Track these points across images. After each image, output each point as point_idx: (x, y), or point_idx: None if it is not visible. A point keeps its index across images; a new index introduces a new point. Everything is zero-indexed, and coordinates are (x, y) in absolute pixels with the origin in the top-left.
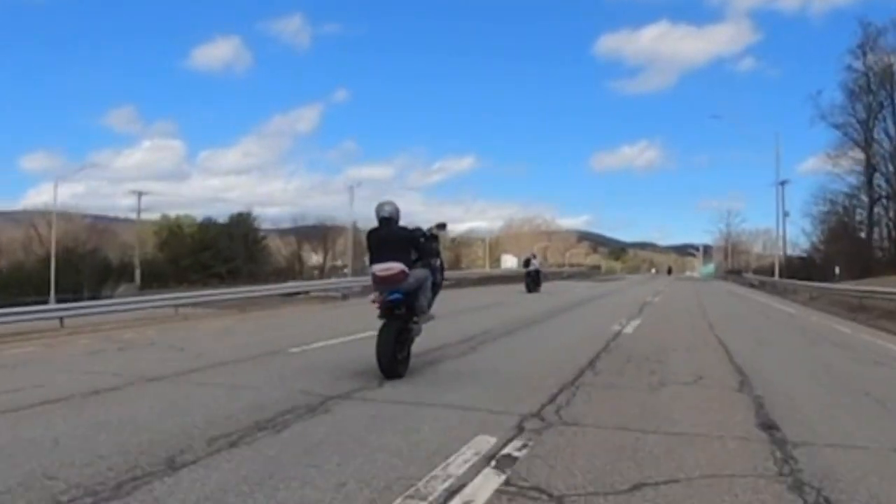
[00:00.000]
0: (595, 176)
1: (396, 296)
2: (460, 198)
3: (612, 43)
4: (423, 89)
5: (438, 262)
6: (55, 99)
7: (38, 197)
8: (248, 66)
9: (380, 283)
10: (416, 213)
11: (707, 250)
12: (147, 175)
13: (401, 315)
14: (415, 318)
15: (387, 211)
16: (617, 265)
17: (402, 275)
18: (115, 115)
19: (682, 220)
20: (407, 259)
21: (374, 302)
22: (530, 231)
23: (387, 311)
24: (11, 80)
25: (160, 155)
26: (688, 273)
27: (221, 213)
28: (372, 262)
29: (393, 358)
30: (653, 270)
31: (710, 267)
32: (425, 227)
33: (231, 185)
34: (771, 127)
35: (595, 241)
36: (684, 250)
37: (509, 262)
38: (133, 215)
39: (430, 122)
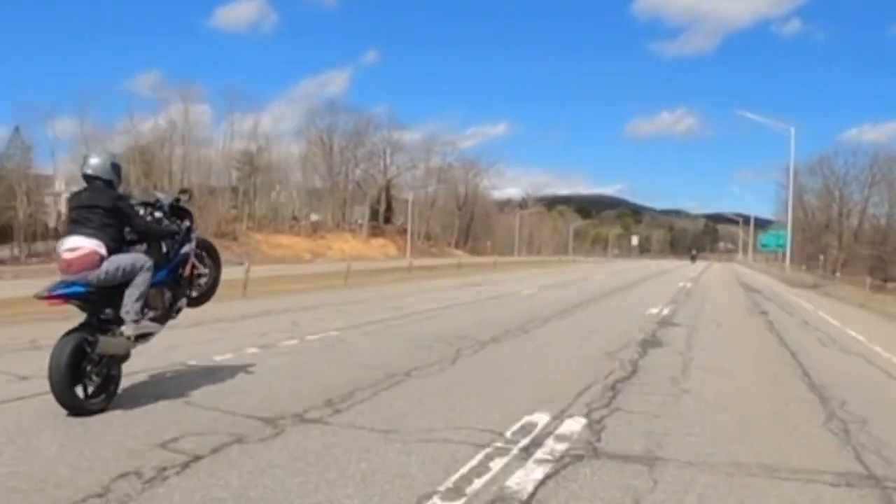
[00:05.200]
0: (631, 143)
1: (73, 289)
2: (493, 164)
3: (652, 1)
4: (456, 52)
5: (188, 249)
6: (81, 63)
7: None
8: (274, 26)
9: (63, 268)
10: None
11: (765, 226)
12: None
13: (106, 320)
14: (121, 329)
15: (91, 166)
16: (617, 231)
17: (91, 257)
18: (141, 80)
19: (719, 189)
20: (110, 237)
21: (39, 297)
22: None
23: (84, 311)
24: (41, 48)
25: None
26: (723, 245)
27: None
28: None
29: (68, 387)
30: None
31: (781, 236)
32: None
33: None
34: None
35: (623, 208)
36: (718, 219)
37: None
38: None
39: (463, 87)
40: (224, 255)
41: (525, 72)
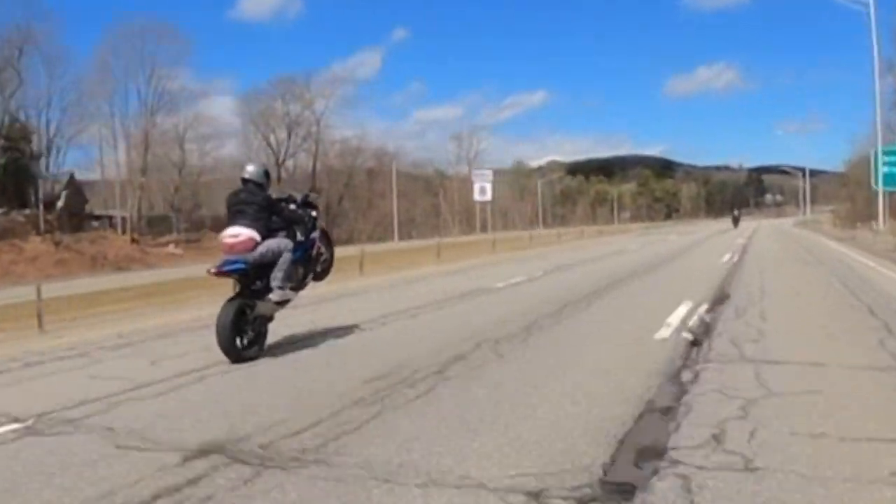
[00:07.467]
0: (671, 102)
1: (237, 266)
2: (533, 134)
3: None
4: (487, 23)
5: (315, 235)
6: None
7: None
8: (299, 11)
9: (225, 250)
10: (485, 151)
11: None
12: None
13: (256, 291)
14: (269, 297)
15: (249, 172)
16: (629, 189)
17: (249, 242)
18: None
19: (764, 142)
20: (262, 226)
21: (209, 272)
22: None
23: (240, 283)
24: None
25: (219, 111)
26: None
27: None
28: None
29: (231, 340)
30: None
31: None
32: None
33: None
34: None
35: (667, 167)
36: (764, 171)
37: None
38: None
39: (498, 58)
40: None
41: (561, 38)
